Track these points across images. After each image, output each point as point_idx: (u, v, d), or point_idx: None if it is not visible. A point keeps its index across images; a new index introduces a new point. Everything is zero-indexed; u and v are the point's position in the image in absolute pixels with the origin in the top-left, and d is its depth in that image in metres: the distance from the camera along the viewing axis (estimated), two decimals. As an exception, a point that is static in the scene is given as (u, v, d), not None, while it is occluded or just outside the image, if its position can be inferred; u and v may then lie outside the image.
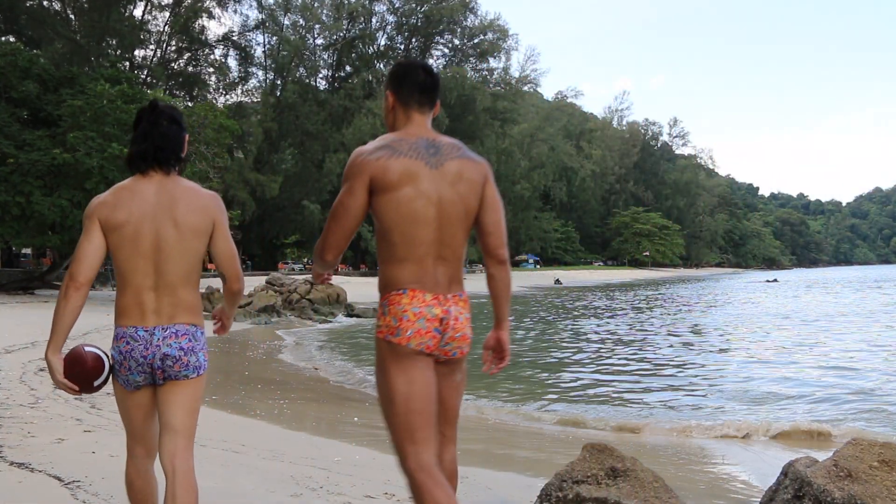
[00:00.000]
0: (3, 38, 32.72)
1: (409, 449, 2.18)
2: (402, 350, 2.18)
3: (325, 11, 59.62)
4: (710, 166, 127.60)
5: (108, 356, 2.37)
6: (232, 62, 55.50)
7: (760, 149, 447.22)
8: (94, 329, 13.85)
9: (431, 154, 2.24)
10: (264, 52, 57.85)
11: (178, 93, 46.36)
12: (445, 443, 2.36)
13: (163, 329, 2.29)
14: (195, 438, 2.45)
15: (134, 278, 2.29)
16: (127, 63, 42.48)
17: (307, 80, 60.74)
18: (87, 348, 2.36)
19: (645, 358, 12.26)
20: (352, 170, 2.21)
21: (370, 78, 60.80)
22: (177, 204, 2.30)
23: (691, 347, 13.83)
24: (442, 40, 66.66)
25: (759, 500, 3.34)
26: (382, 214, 2.20)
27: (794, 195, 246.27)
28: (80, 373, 2.31)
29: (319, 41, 61.50)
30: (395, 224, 2.19)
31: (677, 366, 11.21)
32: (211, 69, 52.15)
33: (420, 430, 2.18)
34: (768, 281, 62.01)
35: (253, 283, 26.90)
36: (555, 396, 8.56)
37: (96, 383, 2.35)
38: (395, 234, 2.20)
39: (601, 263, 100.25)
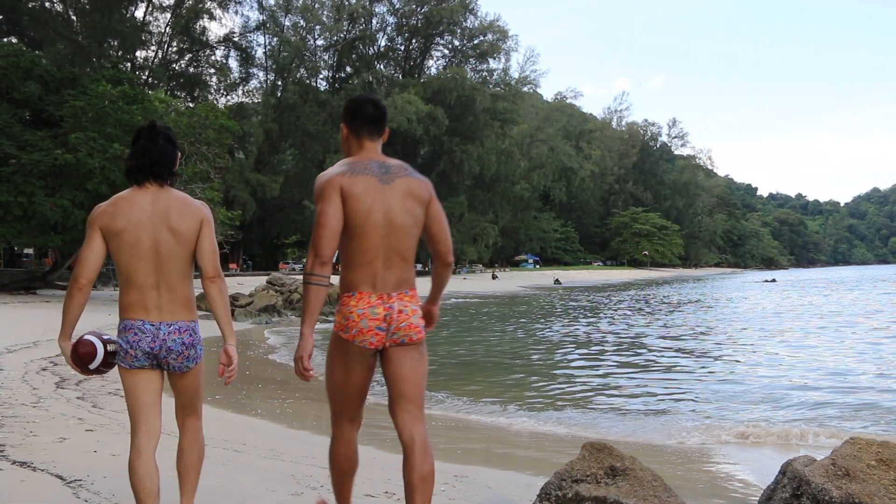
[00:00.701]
0: (5, 40, 32.74)
1: (338, 420, 2.73)
2: (347, 346, 2.59)
3: (325, 12, 59.59)
4: (709, 167, 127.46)
5: (104, 343, 2.69)
6: (233, 63, 55.67)
7: (759, 149, 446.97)
8: (96, 328, 13.87)
9: (383, 173, 2.63)
10: (265, 52, 57.92)
11: (179, 93, 46.39)
12: (413, 421, 2.64)
13: (167, 325, 2.64)
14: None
15: (136, 277, 2.61)
16: (128, 64, 42.52)
17: (308, 81, 60.72)
18: (86, 336, 2.71)
19: (638, 360, 12.27)
20: (323, 188, 2.59)
21: (370, 79, 60.75)
22: (171, 211, 2.63)
23: (686, 350, 13.83)
24: (442, 41, 66.69)
25: (758, 499, 3.36)
26: (346, 223, 2.56)
27: (793, 195, 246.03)
28: (77, 357, 2.69)
29: (320, 42, 61.56)
30: (353, 231, 2.57)
31: (670, 368, 11.22)
32: (212, 70, 52.27)
33: (349, 411, 2.71)
34: (766, 281, 61.91)
35: (254, 283, 26.97)
36: (547, 400, 8.56)
37: (91, 367, 2.68)
38: (354, 240, 2.58)
39: (600, 263, 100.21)
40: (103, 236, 2.60)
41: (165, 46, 48.68)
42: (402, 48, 66.42)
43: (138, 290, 2.61)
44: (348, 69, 63.05)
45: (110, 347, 2.67)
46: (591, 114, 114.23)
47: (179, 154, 2.79)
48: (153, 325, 2.61)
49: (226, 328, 2.69)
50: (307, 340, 2.56)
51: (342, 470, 2.75)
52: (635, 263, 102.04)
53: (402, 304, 2.60)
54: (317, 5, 58.68)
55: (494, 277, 59.11)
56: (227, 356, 2.67)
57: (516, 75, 69.29)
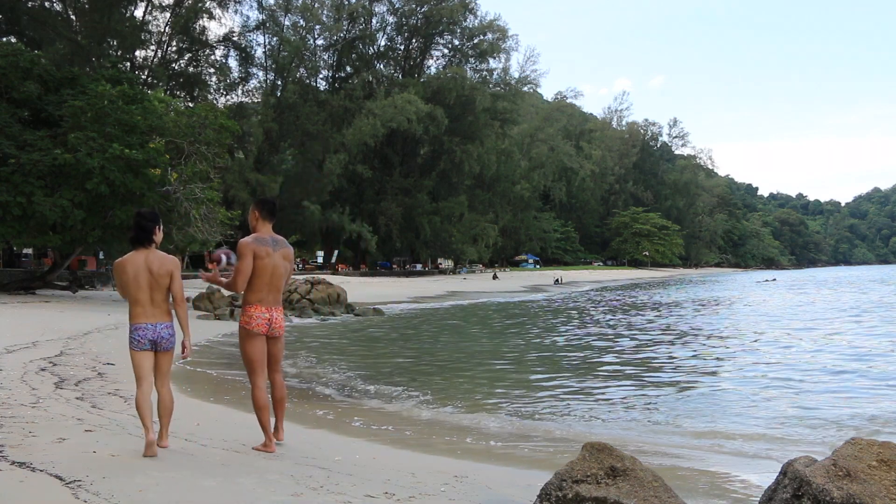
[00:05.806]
0: (4, 39, 32.70)
1: (253, 377, 4.94)
2: (251, 332, 4.88)
3: (325, 12, 59.49)
4: (710, 166, 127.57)
5: (227, 255, 5.08)
6: (232, 63, 55.47)
7: (760, 149, 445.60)
8: (95, 329, 13.86)
9: (273, 244, 4.96)
10: (265, 52, 57.74)
11: (178, 93, 46.29)
12: (276, 373, 5.08)
13: (160, 324, 4.59)
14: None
15: (139, 300, 4.56)
16: (128, 63, 42.46)
17: (307, 81, 60.62)
18: (222, 253, 5.10)
19: (639, 364, 12.26)
20: (244, 248, 4.85)
21: (370, 78, 60.71)
22: (153, 264, 4.57)
23: (678, 354, 13.82)
24: (442, 41, 66.60)
25: (759, 499, 3.35)
26: (253, 270, 4.83)
27: (793, 195, 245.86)
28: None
29: (320, 42, 61.46)
30: (256, 274, 4.84)
31: (661, 371, 11.22)
32: (212, 70, 52.09)
33: (258, 369, 4.92)
34: (767, 280, 61.87)
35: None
36: (546, 400, 8.56)
37: (229, 261, 5.05)
38: (255, 279, 4.86)
39: (601, 263, 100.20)
40: (121, 280, 4.59)
41: (165, 46, 48.57)
42: (402, 48, 66.38)
43: (141, 307, 4.56)
44: (348, 69, 62.98)
45: (232, 259, 4.99)
46: (591, 114, 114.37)
47: (158, 227, 4.68)
48: (152, 325, 4.56)
49: (186, 331, 4.68)
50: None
51: (261, 407, 4.89)
52: (636, 263, 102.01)
53: (277, 314, 4.96)
54: (317, 5, 58.62)
55: (495, 277, 59.12)
56: (184, 346, 4.73)
57: (516, 75, 69.33)
